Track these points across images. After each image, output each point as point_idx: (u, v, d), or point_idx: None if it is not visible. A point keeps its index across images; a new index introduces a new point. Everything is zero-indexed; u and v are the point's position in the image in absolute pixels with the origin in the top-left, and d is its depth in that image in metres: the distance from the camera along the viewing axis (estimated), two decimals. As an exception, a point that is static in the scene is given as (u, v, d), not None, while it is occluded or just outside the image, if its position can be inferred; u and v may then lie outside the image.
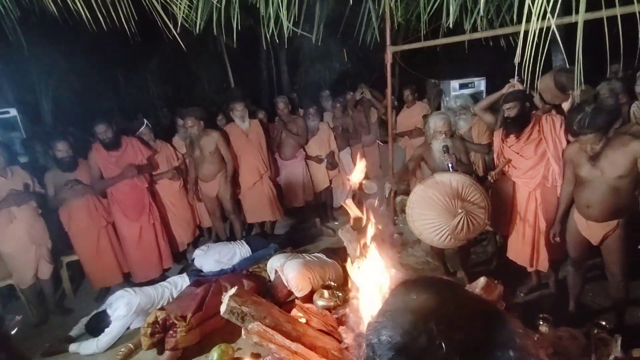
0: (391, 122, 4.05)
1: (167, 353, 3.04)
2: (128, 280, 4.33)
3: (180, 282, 3.76)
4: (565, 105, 2.80)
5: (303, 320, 2.70)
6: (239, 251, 4.22)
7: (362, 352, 0.72)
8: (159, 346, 3.04)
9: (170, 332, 3.04)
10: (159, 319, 3.02)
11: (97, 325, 3.35)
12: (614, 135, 2.48)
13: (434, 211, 2.96)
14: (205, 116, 4.49)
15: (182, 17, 3.07)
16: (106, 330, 3.31)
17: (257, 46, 5.88)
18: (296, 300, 2.96)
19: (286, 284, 3.46)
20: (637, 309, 2.92)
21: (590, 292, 3.21)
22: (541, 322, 2.59)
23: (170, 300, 3.53)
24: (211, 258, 4.11)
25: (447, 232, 2.95)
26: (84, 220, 3.98)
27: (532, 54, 2.25)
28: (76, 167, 3.91)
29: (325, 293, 2.98)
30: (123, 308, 3.33)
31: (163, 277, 4.32)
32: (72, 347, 3.31)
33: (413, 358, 0.63)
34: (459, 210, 2.91)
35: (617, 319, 2.77)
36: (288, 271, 3.43)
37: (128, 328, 3.38)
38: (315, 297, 3.04)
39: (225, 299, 2.73)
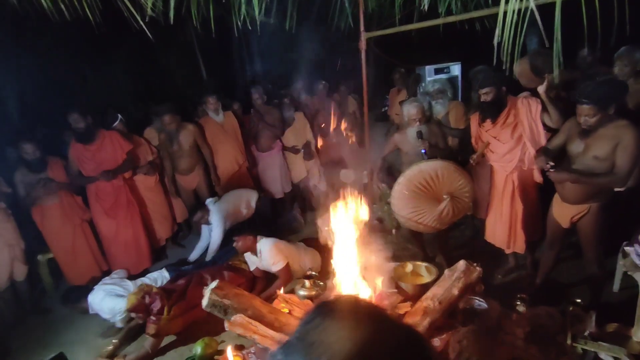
0: (367, 110, 4.03)
1: (149, 339, 3.04)
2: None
3: (160, 277, 3.70)
4: (541, 89, 2.82)
5: (286, 311, 2.69)
6: (253, 199, 4.39)
7: None
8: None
9: (152, 317, 3.04)
10: (144, 291, 3.11)
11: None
12: (612, 117, 2.41)
13: (419, 199, 2.98)
14: (179, 110, 4.41)
15: (150, 7, 2.96)
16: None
17: (229, 36, 5.76)
18: (278, 292, 2.94)
19: (260, 262, 3.56)
20: (611, 285, 3.01)
21: (565, 271, 3.29)
22: (518, 303, 2.65)
23: None
24: (225, 205, 4.25)
25: (433, 217, 2.97)
26: (57, 219, 3.89)
27: (511, 35, 2.26)
28: (45, 166, 3.79)
29: (307, 283, 2.98)
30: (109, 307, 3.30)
31: (144, 272, 4.28)
32: None
33: None
34: (445, 196, 2.94)
35: (592, 296, 2.85)
36: (262, 246, 3.51)
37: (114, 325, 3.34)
38: (296, 287, 3.04)
39: (207, 292, 2.69)
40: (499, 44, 2.23)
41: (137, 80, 5.53)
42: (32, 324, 3.68)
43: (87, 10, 3.03)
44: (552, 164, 2.58)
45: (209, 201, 4.27)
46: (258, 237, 3.58)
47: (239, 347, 2.88)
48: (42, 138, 3.93)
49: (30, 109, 4.54)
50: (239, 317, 2.71)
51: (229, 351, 2.77)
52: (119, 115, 4.23)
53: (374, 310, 0.65)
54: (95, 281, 3.75)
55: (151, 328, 3.02)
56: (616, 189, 2.67)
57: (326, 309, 0.65)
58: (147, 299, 3.10)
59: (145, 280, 3.65)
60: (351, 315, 0.62)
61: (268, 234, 3.70)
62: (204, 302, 2.82)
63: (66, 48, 4.78)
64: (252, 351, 2.74)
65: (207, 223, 4.21)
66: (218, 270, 3.60)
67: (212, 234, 4.19)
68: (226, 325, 2.86)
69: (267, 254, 3.48)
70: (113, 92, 4.74)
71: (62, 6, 2.97)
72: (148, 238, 4.35)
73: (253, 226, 4.17)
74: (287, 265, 3.50)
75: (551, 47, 2.20)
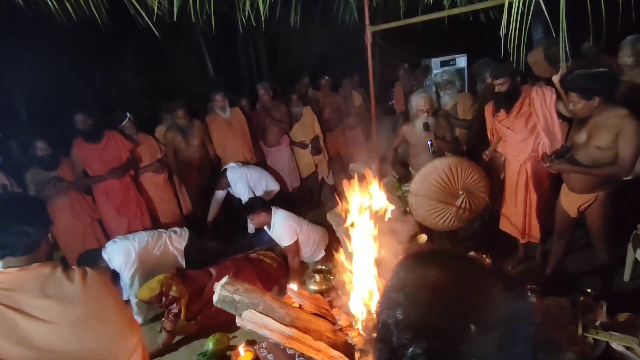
0: (374, 103, 4.02)
1: (163, 335, 3.08)
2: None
3: (183, 234, 3.75)
4: (555, 78, 2.80)
5: (296, 305, 2.71)
6: (265, 180, 4.44)
7: (375, 331, 0.66)
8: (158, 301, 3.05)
9: (170, 315, 3.07)
10: (163, 287, 3.06)
11: None
12: (609, 104, 2.42)
13: (436, 197, 2.98)
14: (189, 107, 4.46)
15: (156, 5, 2.97)
16: (121, 285, 3.39)
17: (235, 33, 5.76)
18: (288, 286, 2.97)
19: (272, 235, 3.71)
20: (621, 275, 3.00)
21: (575, 261, 3.28)
22: (529, 293, 2.64)
23: (169, 247, 3.58)
24: (241, 174, 4.34)
25: (450, 215, 2.97)
26: (68, 219, 3.92)
27: (517, 26, 2.24)
28: (58, 165, 3.84)
29: (317, 277, 3.00)
30: (121, 256, 3.34)
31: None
32: None
33: (435, 341, 0.58)
34: (460, 192, 2.95)
35: (603, 286, 2.85)
36: (276, 220, 3.65)
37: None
38: (307, 281, 3.06)
39: (217, 288, 2.72)
40: (506, 35, 2.23)
41: (145, 78, 5.56)
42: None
43: (93, 10, 3.05)
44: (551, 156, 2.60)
45: (230, 166, 4.36)
46: (274, 210, 3.69)
47: (251, 343, 2.91)
48: (53, 137, 3.96)
49: (39, 110, 4.58)
50: (249, 313, 2.73)
51: (241, 347, 2.80)
52: (128, 114, 4.26)
53: (470, 257, 0.72)
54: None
55: (167, 325, 3.06)
56: (624, 178, 2.66)
57: (431, 256, 0.71)
58: (164, 300, 3.06)
59: (163, 231, 3.69)
60: (458, 259, 0.69)
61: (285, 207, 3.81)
62: (215, 297, 2.85)
63: (74, 48, 4.82)
64: (264, 346, 2.77)
65: (226, 187, 4.29)
66: (241, 263, 3.57)
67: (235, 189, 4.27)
68: (237, 321, 2.90)
69: (278, 229, 3.62)
70: (121, 90, 4.78)
71: (69, 6, 2.99)
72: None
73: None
74: (296, 242, 3.63)
75: (558, 37, 2.19)
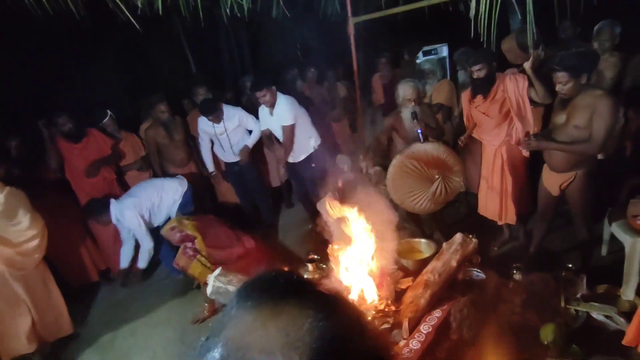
0: (358, 95, 4.07)
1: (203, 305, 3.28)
2: (107, 277, 4.25)
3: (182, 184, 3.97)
4: (527, 65, 2.91)
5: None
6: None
7: None
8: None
9: (188, 250, 3.29)
10: (186, 229, 3.32)
11: None
12: (589, 86, 2.54)
13: (413, 180, 3.04)
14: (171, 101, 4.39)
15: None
16: (140, 251, 3.79)
17: (217, 27, 5.70)
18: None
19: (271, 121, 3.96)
20: (599, 250, 3.15)
21: (557, 239, 3.42)
22: (514, 271, 2.76)
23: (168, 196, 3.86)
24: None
25: (427, 198, 3.05)
26: (49, 219, 3.81)
27: (489, 13, 2.32)
28: (35, 165, 3.76)
29: (309, 266, 3.03)
30: (132, 214, 3.61)
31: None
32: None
33: None
34: (436, 177, 3.02)
35: (583, 261, 2.99)
36: (280, 100, 3.84)
37: None
38: (300, 271, 3.09)
39: (210, 280, 2.73)
40: (476, 17, 2.30)
41: (124, 75, 5.44)
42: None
43: (70, 4, 2.99)
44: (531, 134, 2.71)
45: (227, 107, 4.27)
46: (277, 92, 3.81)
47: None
48: (31, 139, 3.85)
49: (14, 110, 4.44)
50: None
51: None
52: (109, 111, 4.18)
53: (301, 289, 0.56)
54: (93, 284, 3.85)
55: (182, 260, 3.28)
56: (598, 157, 2.79)
57: (242, 294, 0.55)
58: (178, 235, 3.31)
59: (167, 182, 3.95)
60: (268, 298, 0.53)
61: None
62: (208, 290, 2.85)
63: (52, 48, 4.69)
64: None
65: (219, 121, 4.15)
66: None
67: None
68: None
69: (283, 107, 3.78)
70: (100, 88, 4.66)
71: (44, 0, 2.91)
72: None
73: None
74: (293, 126, 3.80)
75: (525, 22, 2.28)
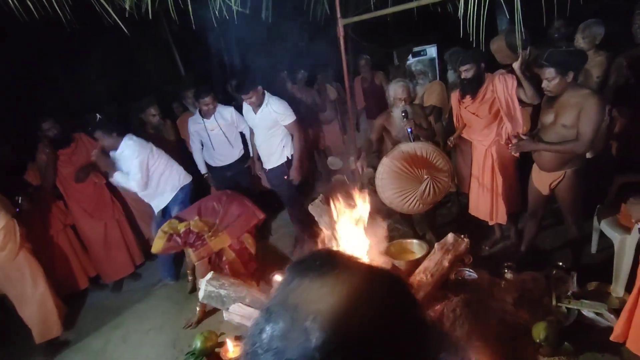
0: (349, 97, 4.07)
1: (197, 264, 3.28)
2: (97, 284, 4.19)
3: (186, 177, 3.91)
4: (516, 65, 2.93)
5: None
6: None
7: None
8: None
9: (197, 244, 3.20)
10: (180, 230, 3.21)
11: None
12: (575, 85, 2.56)
13: (402, 180, 3.05)
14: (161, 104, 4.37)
15: (128, 2, 2.91)
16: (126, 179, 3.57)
17: (205, 30, 5.66)
18: (273, 277, 2.98)
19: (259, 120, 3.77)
20: (589, 248, 3.18)
21: (547, 238, 3.45)
22: (506, 270, 2.78)
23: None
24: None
25: (415, 198, 3.06)
26: (38, 225, 3.77)
27: (477, 14, 2.34)
28: (24, 171, 3.71)
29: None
30: (139, 153, 3.51)
31: (135, 274, 4.24)
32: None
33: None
34: (425, 177, 3.03)
35: (573, 259, 3.01)
36: (270, 99, 3.71)
37: None
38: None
39: (202, 284, 2.71)
40: (464, 18, 2.31)
41: (113, 80, 5.39)
42: (21, 334, 3.57)
43: (56, 7, 2.94)
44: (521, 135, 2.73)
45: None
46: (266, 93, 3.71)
47: (239, 338, 2.91)
48: (19, 144, 3.80)
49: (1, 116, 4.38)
50: (237, 306, 2.74)
51: (229, 342, 2.80)
52: (98, 115, 4.14)
53: (352, 261, 0.62)
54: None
55: (200, 253, 3.21)
56: (587, 155, 2.82)
57: (302, 267, 0.60)
58: (179, 240, 3.19)
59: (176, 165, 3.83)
60: (329, 269, 0.58)
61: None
62: (200, 294, 2.83)
63: (38, 53, 4.64)
64: (253, 339, 2.77)
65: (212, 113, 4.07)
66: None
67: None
68: (225, 315, 2.89)
69: (278, 106, 3.65)
70: (87, 92, 4.62)
71: (29, 4, 2.87)
72: (137, 237, 4.31)
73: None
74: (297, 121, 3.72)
75: (513, 23, 2.29)
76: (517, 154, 3.18)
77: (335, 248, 2.51)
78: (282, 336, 0.52)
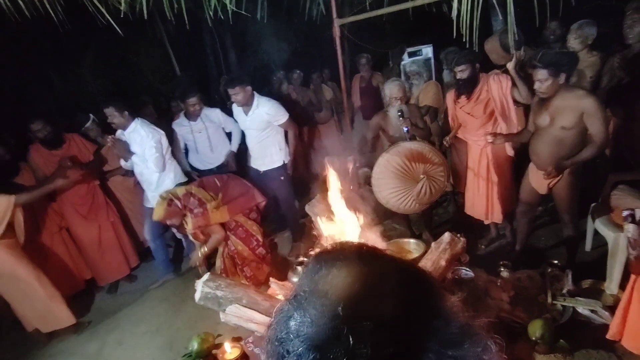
0: (345, 96, 4.08)
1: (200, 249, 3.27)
2: (92, 286, 4.16)
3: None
4: (510, 65, 2.95)
5: (280, 297, 2.72)
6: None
7: (269, 347, 0.57)
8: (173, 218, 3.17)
9: (196, 211, 3.13)
10: (179, 194, 3.15)
11: None
12: (568, 86, 2.59)
13: (398, 180, 3.06)
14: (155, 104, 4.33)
15: (123, 2, 2.89)
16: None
17: (201, 30, 5.65)
18: (271, 278, 2.97)
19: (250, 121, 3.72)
20: (583, 245, 3.21)
21: (543, 237, 3.48)
22: (502, 269, 2.79)
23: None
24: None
25: (411, 198, 3.07)
26: (33, 228, 3.72)
27: (471, 14, 2.35)
28: (18, 172, 3.65)
29: (299, 269, 3.01)
30: (153, 135, 3.49)
31: (130, 276, 4.21)
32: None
33: (326, 354, 0.50)
34: (421, 176, 3.04)
35: (568, 257, 3.04)
36: (260, 100, 3.63)
37: None
38: (289, 273, 3.07)
39: (199, 285, 2.69)
40: (458, 17, 2.33)
41: (107, 80, 5.35)
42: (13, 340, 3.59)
43: (48, 7, 2.92)
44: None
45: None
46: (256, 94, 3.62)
47: (237, 339, 2.90)
48: (12, 145, 3.75)
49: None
50: (234, 307, 2.72)
51: (226, 344, 2.78)
52: (91, 115, 4.10)
53: (378, 252, 0.64)
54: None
55: (197, 221, 3.13)
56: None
57: (330, 256, 0.62)
58: (179, 204, 3.13)
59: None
60: (356, 258, 0.60)
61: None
62: (197, 296, 2.81)
63: (30, 53, 4.59)
64: (250, 340, 2.76)
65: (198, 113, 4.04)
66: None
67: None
68: (222, 316, 2.87)
69: (270, 107, 3.60)
70: (82, 94, 4.57)
71: (22, 4, 2.84)
72: (132, 239, 4.28)
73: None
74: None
75: (506, 24, 2.31)
76: (512, 153, 3.20)
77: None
78: (312, 322, 0.53)
